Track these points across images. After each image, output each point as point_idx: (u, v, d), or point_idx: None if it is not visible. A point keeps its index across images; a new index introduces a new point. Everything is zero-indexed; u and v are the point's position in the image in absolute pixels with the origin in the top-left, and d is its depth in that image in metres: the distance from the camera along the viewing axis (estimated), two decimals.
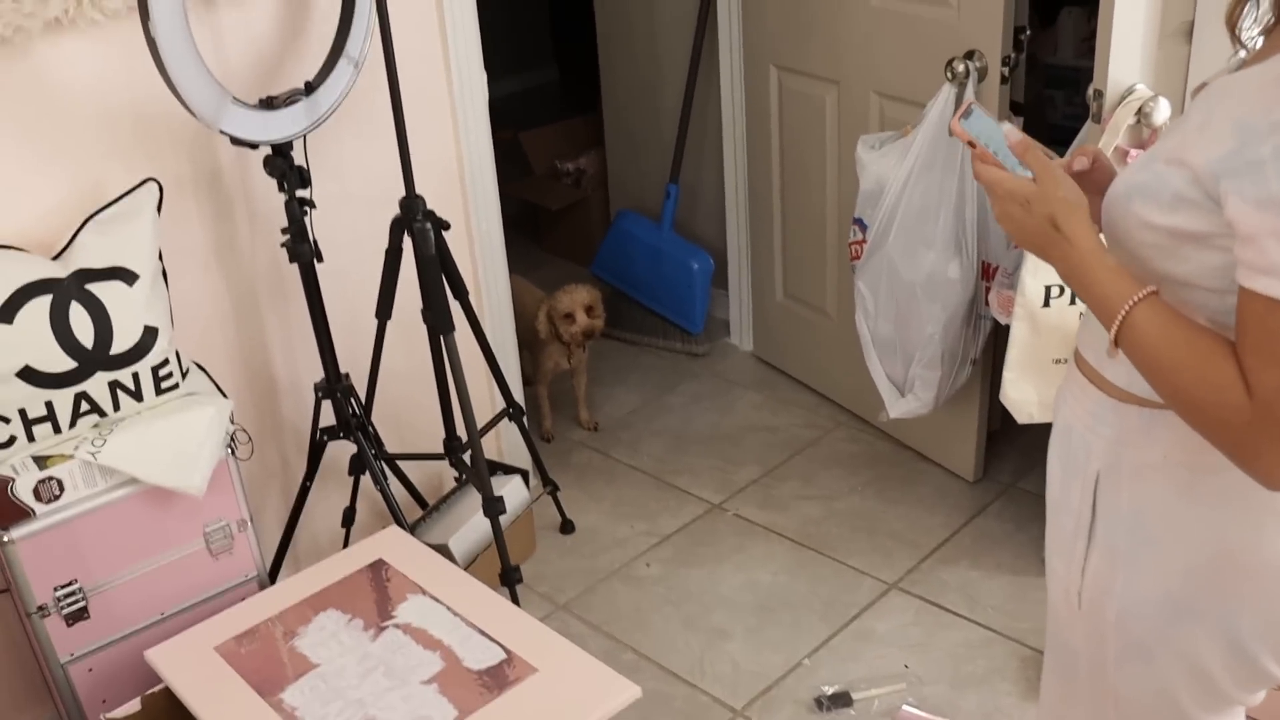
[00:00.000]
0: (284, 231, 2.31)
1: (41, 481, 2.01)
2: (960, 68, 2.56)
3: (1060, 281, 2.31)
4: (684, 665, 2.56)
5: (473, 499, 2.73)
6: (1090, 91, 2.26)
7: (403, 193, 2.33)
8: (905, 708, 2.37)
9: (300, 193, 2.28)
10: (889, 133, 2.79)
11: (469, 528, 2.68)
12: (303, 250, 2.31)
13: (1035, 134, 2.66)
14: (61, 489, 2.03)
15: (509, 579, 2.54)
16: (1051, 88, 3.89)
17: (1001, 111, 2.62)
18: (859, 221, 2.80)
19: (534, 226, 4.77)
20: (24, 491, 2.00)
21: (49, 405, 2.04)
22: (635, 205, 4.24)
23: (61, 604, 2.08)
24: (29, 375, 2.00)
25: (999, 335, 2.68)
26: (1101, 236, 1.25)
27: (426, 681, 1.89)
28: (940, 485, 3.09)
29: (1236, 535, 1.24)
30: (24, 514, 2.00)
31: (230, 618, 2.08)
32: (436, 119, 2.71)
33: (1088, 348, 1.35)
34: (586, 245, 4.44)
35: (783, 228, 3.48)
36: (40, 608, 2.06)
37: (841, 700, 2.40)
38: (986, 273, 2.66)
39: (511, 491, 2.81)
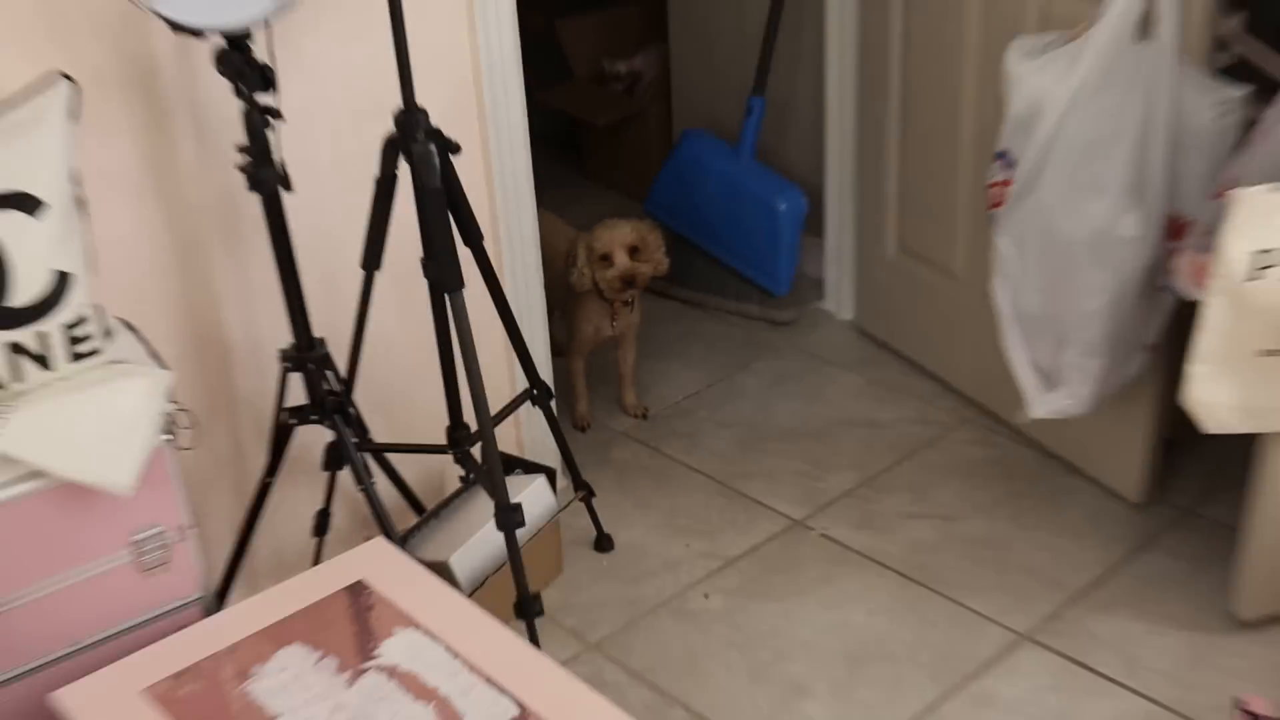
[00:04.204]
0: (241, 151, 2.30)
1: None
2: None
3: (1278, 246, 2.29)
4: None
5: (483, 505, 2.76)
6: None
7: (398, 102, 2.34)
8: None
9: (263, 99, 2.27)
10: (1052, 35, 2.78)
11: (477, 542, 2.71)
12: (266, 176, 2.31)
13: (1261, 33, 2.69)
14: None
15: (527, 610, 2.57)
16: None
17: (1211, 9, 2.60)
18: (1004, 156, 2.81)
19: (573, 146, 4.84)
20: None
21: None
22: (705, 122, 4.27)
23: None
24: None
25: (1185, 316, 2.63)
26: None
27: None
28: (1096, 508, 3.10)
29: None
30: None
31: (165, 652, 2.10)
32: (444, 5, 2.74)
33: None
34: (640, 174, 4.48)
35: (901, 160, 3.50)
36: None
37: None
38: (1174, 231, 2.66)
39: (533, 497, 2.85)
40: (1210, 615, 2.75)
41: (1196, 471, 3.16)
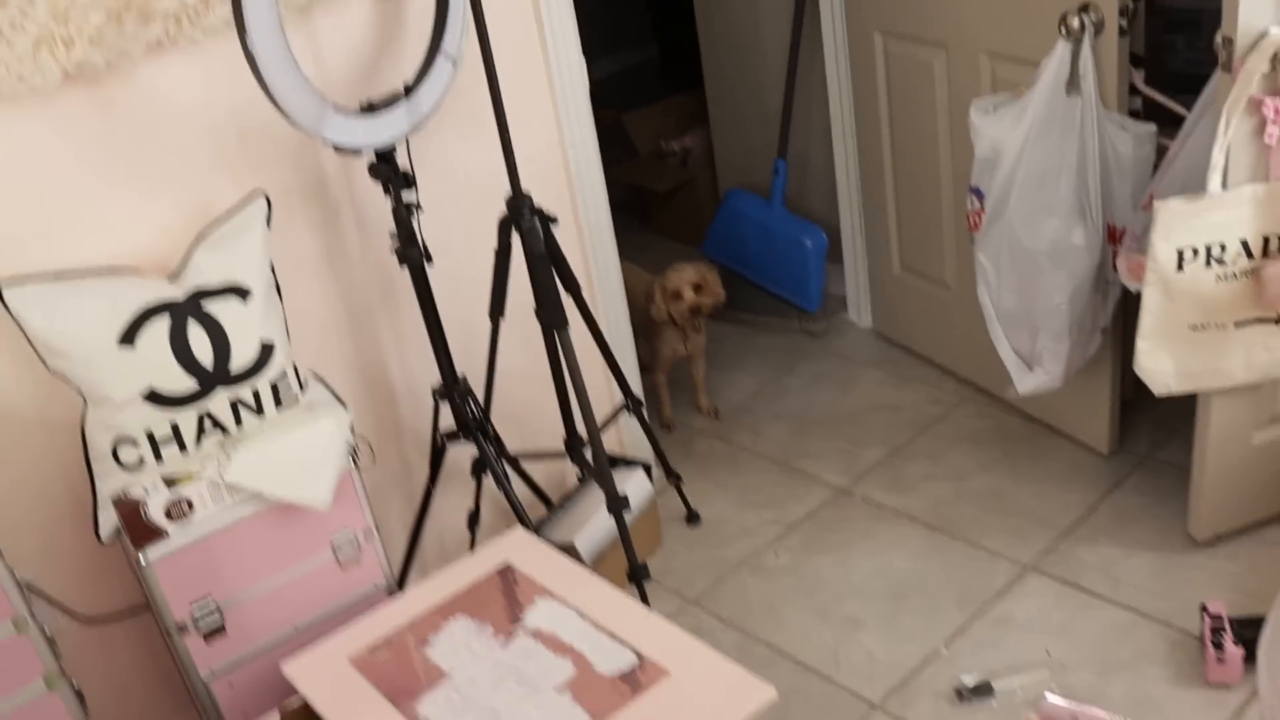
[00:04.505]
0: (393, 236, 2.32)
1: (172, 502, 2.06)
2: (1075, 22, 2.50)
3: (1194, 243, 2.25)
4: (818, 658, 2.54)
5: (597, 495, 2.73)
6: (1219, 39, 2.20)
7: (508, 189, 2.33)
8: (1049, 697, 2.30)
9: (406, 196, 2.28)
10: (1002, 95, 2.75)
11: (594, 525, 2.68)
12: (412, 253, 2.32)
13: (1156, 84, 2.66)
14: (191, 508, 2.07)
15: (637, 576, 2.54)
16: (1171, 32, 3.71)
17: (1121, 67, 2.56)
18: (976, 190, 2.77)
19: (642, 209, 4.77)
20: (156, 512, 2.05)
21: (174, 426, 2.09)
22: (743, 182, 4.21)
23: (199, 621, 2.11)
24: (153, 397, 2.05)
25: (1129, 302, 2.62)
26: None
27: (559, 689, 1.88)
28: (1074, 460, 3.02)
29: None
30: (157, 535, 2.05)
31: (362, 628, 2.09)
32: (538, 110, 2.71)
33: None
34: (696, 226, 4.43)
35: (896, 199, 3.45)
36: (179, 626, 2.10)
37: (983, 691, 2.35)
38: (1113, 237, 2.61)
39: (635, 486, 2.82)
40: (1172, 538, 2.69)
41: (1150, 425, 3.09)
